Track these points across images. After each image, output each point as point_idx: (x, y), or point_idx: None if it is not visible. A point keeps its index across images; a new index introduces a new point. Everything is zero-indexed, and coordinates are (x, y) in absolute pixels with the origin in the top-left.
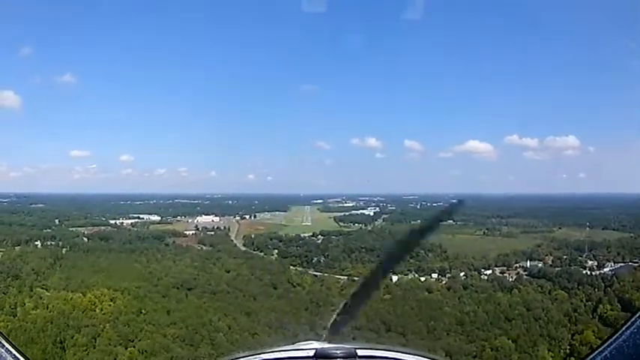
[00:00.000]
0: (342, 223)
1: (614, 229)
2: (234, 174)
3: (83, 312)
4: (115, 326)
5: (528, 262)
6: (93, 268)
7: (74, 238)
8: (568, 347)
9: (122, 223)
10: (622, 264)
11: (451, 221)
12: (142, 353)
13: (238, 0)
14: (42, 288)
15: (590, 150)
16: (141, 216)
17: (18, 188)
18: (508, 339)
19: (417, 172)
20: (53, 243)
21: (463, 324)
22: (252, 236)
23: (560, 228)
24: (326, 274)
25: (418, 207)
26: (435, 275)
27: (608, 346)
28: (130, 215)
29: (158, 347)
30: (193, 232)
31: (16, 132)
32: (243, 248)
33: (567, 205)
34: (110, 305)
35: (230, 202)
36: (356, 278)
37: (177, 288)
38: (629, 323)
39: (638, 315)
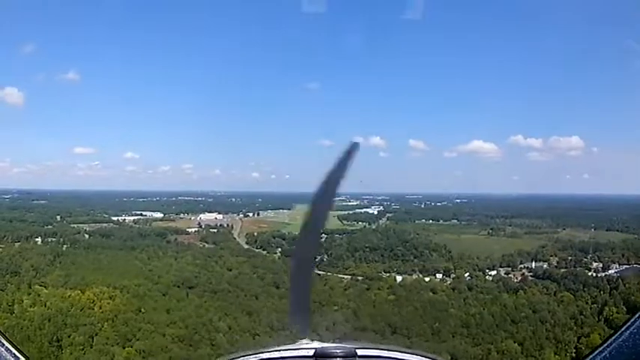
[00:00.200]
0: (345, 222)
1: (618, 231)
2: (238, 172)
3: (81, 310)
4: (114, 325)
5: (533, 262)
6: (93, 265)
7: (75, 235)
8: (574, 351)
9: (124, 220)
10: (627, 266)
11: (455, 221)
12: (140, 353)
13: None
14: (40, 285)
15: (593, 151)
16: (143, 213)
17: (21, 184)
18: (514, 342)
19: (420, 172)
20: (54, 239)
21: (469, 326)
22: (255, 234)
23: (564, 229)
24: (329, 274)
25: (422, 206)
26: (439, 275)
27: (608, 346)
28: (133, 212)
29: (156, 347)
30: (196, 229)
31: (19, 128)
32: (246, 246)
33: (571, 206)
34: (109, 303)
35: (234, 199)
36: (360, 277)
37: (178, 286)
38: (629, 323)
39: (638, 315)
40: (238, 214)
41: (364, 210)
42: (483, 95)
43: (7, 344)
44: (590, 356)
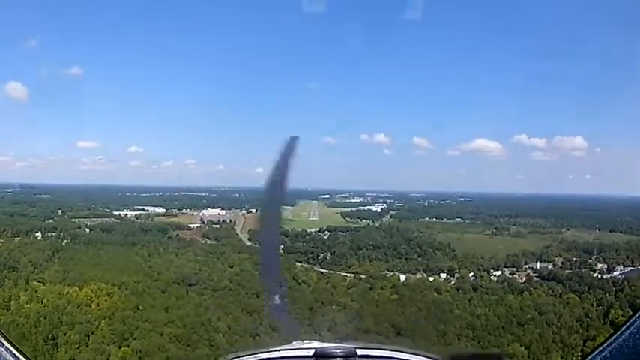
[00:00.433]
0: (349, 219)
1: (621, 232)
2: (242, 167)
3: (78, 307)
4: (110, 323)
5: (538, 263)
6: (92, 260)
7: (76, 230)
8: (580, 354)
9: (126, 214)
10: (632, 267)
11: (459, 219)
12: (136, 353)
13: None
14: (38, 281)
15: (597, 151)
16: (146, 208)
17: (24, 179)
18: (521, 345)
19: (424, 170)
20: (54, 234)
21: (474, 328)
22: (258, 230)
23: (568, 229)
24: (332, 271)
25: (425, 204)
26: (443, 275)
27: (608, 346)
28: (135, 207)
29: (153, 347)
30: (198, 225)
31: (22, 123)
32: (249, 243)
33: (574, 207)
34: (107, 300)
35: (237, 195)
36: (363, 276)
37: (178, 283)
38: (629, 323)
39: (638, 315)
40: (241, 210)
41: (367, 207)
42: (487, 94)
43: (7, 344)
44: (591, 356)
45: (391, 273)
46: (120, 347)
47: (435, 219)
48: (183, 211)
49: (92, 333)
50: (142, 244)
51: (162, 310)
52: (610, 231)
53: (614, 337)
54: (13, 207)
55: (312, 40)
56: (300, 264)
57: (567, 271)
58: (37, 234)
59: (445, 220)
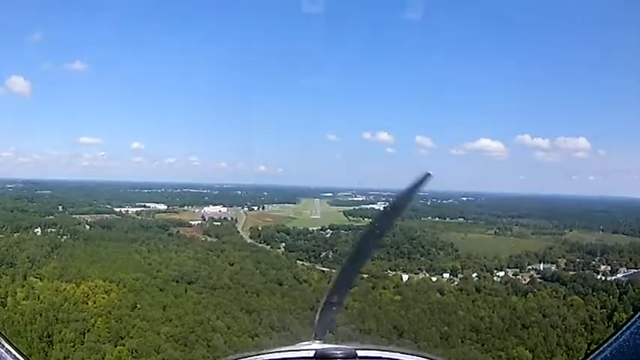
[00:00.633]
0: (351, 218)
1: (624, 234)
2: (245, 165)
3: (74, 304)
4: (107, 321)
5: (541, 264)
6: (91, 257)
7: (76, 226)
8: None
9: (127, 211)
10: (635, 270)
11: (462, 219)
12: (132, 353)
13: None
14: (35, 277)
15: (600, 153)
16: (147, 204)
17: (26, 174)
18: (526, 349)
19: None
20: (54, 230)
21: (478, 331)
22: (259, 228)
23: (570, 230)
24: (334, 270)
25: (428, 203)
26: (446, 275)
27: (608, 346)
28: (136, 203)
29: (149, 347)
30: (199, 222)
31: (25, 118)
32: (249, 240)
33: (576, 207)
34: (104, 298)
35: (239, 192)
36: (365, 275)
37: (177, 281)
38: (629, 323)
39: (638, 315)
40: (243, 208)
41: (370, 206)
42: (491, 94)
43: (6, 345)
44: (591, 356)
45: (393, 273)
46: (115, 346)
47: (437, 218)
48: (185, 207)
49: (88, 331)
50: (142, 240)
51: (159, 308)
52: (613, 232)
53: (614, 338)
54: (14, 202)
55: (316, 38)
56: (301, 262)
57: (571, 273)
58: (36, 230)
59: (448, 219)
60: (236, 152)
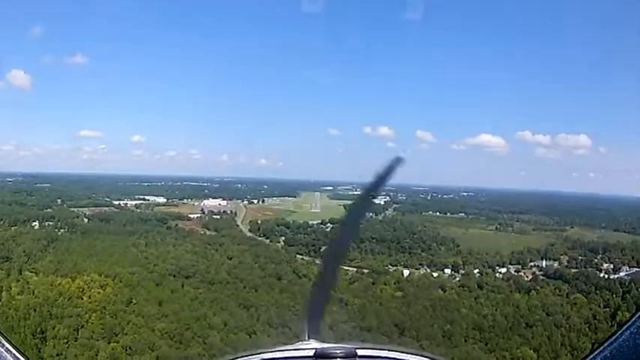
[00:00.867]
0: None
1: (625, 232)
2: (245, 158)
3: (69, 299)
4: (101, 317)
5: (544, 261)
6: (87, 251)
7: (74, 219)
8: None
9: (126, 204)
10: (637, 269)
11: (463, 214)
12: (126, 350)
13: None
14: (31, 271)
15: (600, 150)
16: (146, 197)
17: (26, 168)
18: (530, 348)
19: (427, 163)
20: (51, 223)
21: (482, 329)
22: (259, 222)
23: (572, 227)
24: None
25: (429, 198)
26: (447, 271)
27: (608, 346)
28: (136, 196)
29: (144, 344)
30: (198, 215)
31: (25, 112)
32: (249, 234)
33: (577, 204)
34: (99, 293)
35: (240, 185)
36: (365, 270)
37: (174, 276)
38: (629, 323)
39: (638, 315)
40: (243, 201)
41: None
42: (492, 89)
43: (7, 344)
44: (591, 356)
45: (394, 268)
46: (109, 343)
47: (438, 213)
48: (185, 200)
49: (82, 327)
50: (140, 234)
51: (155, 303)
52: (614, 230)
53: (614, 337)
54: (12, 196)
55: (318, 32)
56: (301, 257)
57: (573, 270)
58: (34, 223)
59: (449, 214)
60: (237, 146)
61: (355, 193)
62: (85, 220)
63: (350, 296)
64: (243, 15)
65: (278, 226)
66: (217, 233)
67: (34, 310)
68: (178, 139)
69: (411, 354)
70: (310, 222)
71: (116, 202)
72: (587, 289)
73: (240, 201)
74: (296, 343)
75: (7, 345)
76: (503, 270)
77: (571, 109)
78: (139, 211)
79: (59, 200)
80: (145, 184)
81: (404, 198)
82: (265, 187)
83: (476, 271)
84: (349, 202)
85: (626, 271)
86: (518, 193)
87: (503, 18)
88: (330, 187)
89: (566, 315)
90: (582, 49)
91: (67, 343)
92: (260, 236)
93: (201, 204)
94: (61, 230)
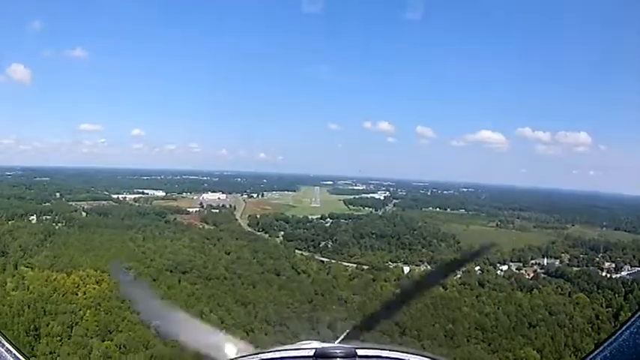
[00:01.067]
0: (351, 206)
1: (626, 231)
2: (245, 152)
3: (64, 295)
4: (96, 314)
5: (545, 259)
6: (84, 245)
7: (72, 213)
8: None
9: (125, 198)
10: (639, 268)
11: (463, 210)
12: (120, 348)
13: None
14: (26, 266)
15: (601, 148)
16: (145, 191)
17: (25, 162)
18: (533, 349)
19: (427, 159)
20: (49, 217)
21: (484, 329)
22: (258, 216)
23: (572, 225)
24: (333, 261)
25: (429, 194)
26: None
27: (608, 346)
28: (135, 190)
29: (138, 342)
30: (197, 209)
31: (25, 106)
32: (248, 228)
33: (577, 202)
34: (94, 289)
35: (239, 179)
36: (365, 267)
37: (171, 271)
38: (629, 323)
39: (638, 315)
40: (242, 195)
41: (370, 195)
42: (493, 86)
43: (7, 344)
44: (591, 356)
45: (395, 264)
46: (103, 341)
47: (438, 209)
48: (184, 194)
49: (76, 324)
50: (138, 228)
51: None
52: (615, 229)
53: (614, 337)
54: (11, 190)
55: (317, 28)
56: (300, 252)
57: (575, 269)
58: (31, 217)
59: (449, 210)
60: (236, 139)
61: (355, 188)
62: (84, 214)
63: (350, 294)
64: (243, 11)
65: (277, 220)
66: (216, 227)
67: (28, 306)
68: (178, 133)
69: (411, 354)
70: (310, 217)
71: (115, 196)
72: (590, 288)
73: (239, 195)
74: (296, 343)
75: (7, 345)
76: (505, 267)
77: (571, 106)
78: (137, 205)
79: (58, 194)
80: (145, 177)
81: (404, 193)
82: (265, 181)
83: (477, 268)
84: (349, 196)
85: (628, 270)
86: (518, 190)
87: (504, 15)
88: (330, 182)
89: (569, 315)
90: (583, 47)
91: (60, 340)
92: (259, 231)
93: (201, 198)
94: (59, 224)
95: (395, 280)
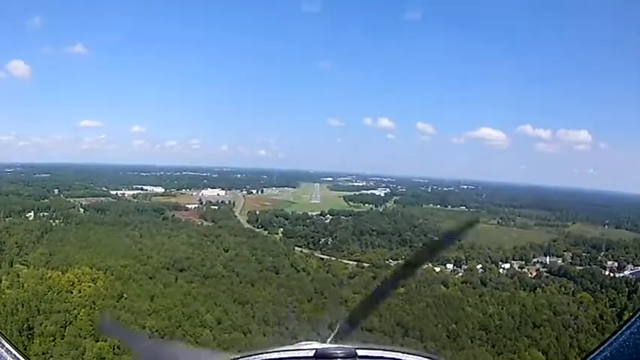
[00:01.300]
0: (351, 203)
1: (627, 229)
2: (245, 148)
3: (58, 294)
4: (90, 313)
5: (547, 257)
6: (81, 242)
7: (69, 209)
8: None
9: (124, 194)
10: None
11: (464, 207)
12: (113, 349)
13: None
14: (22, 264)
15: (601, 147)
16: (144, 187)
17: (25, 158)
18: (538, 350)
19: (428, 156)
20: (47, 214)
21: (488, 329)
22: (257, 212)
23: (574, 223)
24: (333, 258)
25: (429, 190)
26: (450, 266)
27: (608, 346)
28: (134, 186)
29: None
30: (196, 205)
31: (25, 102)
32: (247, 225)
33: (578, 200)
34: (90, 287)
35: (239, 175)
36: (366, 265)
37: (168, 269)
38: (629, 323)
39: (638, 315)
40: (242, 191)
41: (370, 192)
42: (493, 83)
43: (7, 345)
44: (591, 356)
45: (395, 262)
46: (97, 341)
47: (439, 206)
48: (183, 190)
49: (70, 323)
50: (135, 224)
51: (147, 298)
52: (616, 227)
53: (614, 337)
54: (9, 186)
55: (319, 24)
56: (299, 249)
57: (578, 268)
58: (29, 214)
59: (449, 207)
60: (237, 136)
61: (355, 184)
62: (81, 210)
63: (350, 293)
64: (244, 7)
65: (277, 217)
66: (214, 224)
67: (22, 305)
68: (178, 130)
69: (411, 354)
70: (310, 213)
71: (113, 192)
72: (593, 287)
73: (238, 191)
74: (296, 344)
75: (7, 345)
76: (507, 266)
77: (572, 104)
78: (135, 201)
79: (56, 190)
80: (144, 174)
81: (404, 190)
82: (264, 177)
83: (479, 266)
84: (349, 193)
85: (631, 269)
86: (519, 188)
87: (506, 13)
88: (330, 178)
89: (574, 315)
90: (584, 46)
91: (53, 340)
92: (258, 227)
93: (200, 194)
94: (56, 221)
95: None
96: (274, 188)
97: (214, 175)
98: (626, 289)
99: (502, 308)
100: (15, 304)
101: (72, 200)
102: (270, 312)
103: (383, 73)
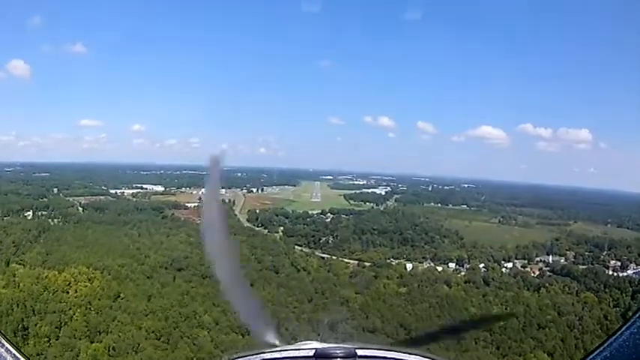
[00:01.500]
0: (352, 202)
1: (628, 229)
2: (245, 147)
3: (54, 294)
4: (86, 313)
5: (550, 256)
6: (78, 242)
7: (68, 208)
8: None
9: (123, 193)
10: None
11: (465, 206)
12: (108, 351)
13: None
14: (18, 263)
15: (601, 145)
16: (144, 186)
17: (25, 157)
18: (544, 352)
19: (428, 154)
20: (45, 213)
21: (492, 331)
22: (257, 211)
23: (575, 222)
24: (334, 257)
25: (430, 189)
26: (452, 265)
27: (608, 346)
28: (133, 185)
29: (128, 344)
30: (195, 204)
31: (25, 101)
32: (247, 224)
33: (579, 199)
34: (86, 286)
35: (239, 174)
36: (367, 264)
37: (166, 268)
38: (629, 323)
39: (638, 315)
40: (242, 190)
41: (371, 190)
42: (494, 81)
43: (7, 345)
44: (591, 356)
45: (397, 261)
46: (92, 342)
47: (440, 204)
48: (182, 189)
49: (65, 324)
50: (134, 223)
51: (144, 299)
52: (617, 226)
53: (614, 337)
54: (9, 185)
55: (319, 23)
56: (300, 248)
57: (581, 267)
58: (27, 213)
59: (450, 206)
60: (237, 134)
61: (356, 182)
62: (80, 209)
63: (351, 293)
64: (245, 6)
65: (277, 215)
66: None
67: (18, 305)
68: (179, 128)
69: (411, 354)
70: (310, 212)
71: (113, 191)
72: (596, 287)
73: (238, 189)
74: (296, 344)
75: (7, 345)
76: (509, 265)
77: (572, 103)
78: (135, 200)
79: (55, 189)
80: (144, 172)
81: (405, 188)
82: (265, 175)
83: (481, 265)
84: (350, 191)
85: (634, 269)
86: (519, 186)
87: (507, 12)
88: (331, 177)
89: (579, 315)
90: (585, 45)
91: (48, 341)
92: (258, 226)
93: (199, 192)
94: (54, 220)
95: (398, 278)
96: (274, 187)
97: None
98: (630, 289)
99: (506, 309)
100: (10, 304)
101: (71, 199)
102: (270, 313)
103: (383, 72)
